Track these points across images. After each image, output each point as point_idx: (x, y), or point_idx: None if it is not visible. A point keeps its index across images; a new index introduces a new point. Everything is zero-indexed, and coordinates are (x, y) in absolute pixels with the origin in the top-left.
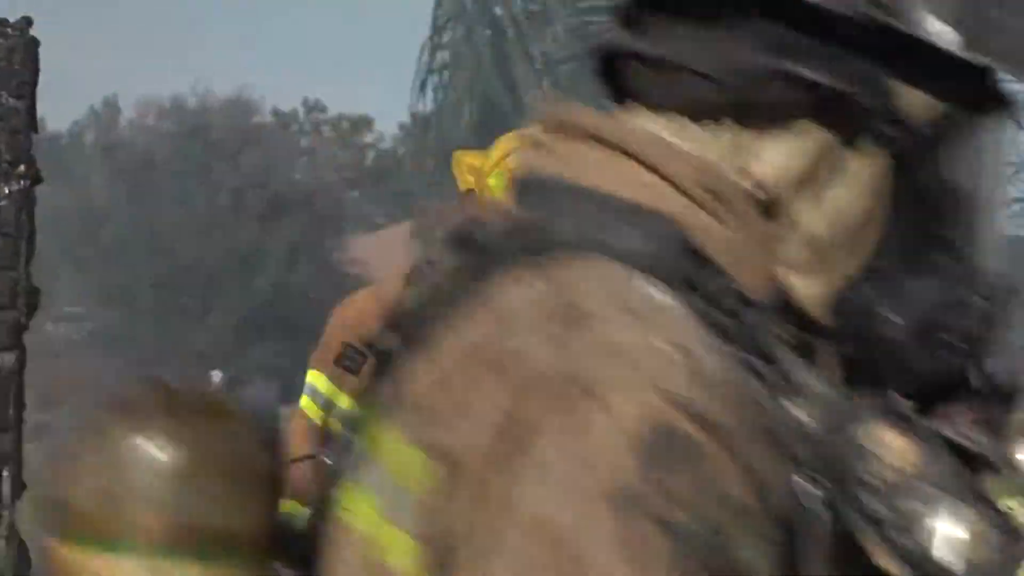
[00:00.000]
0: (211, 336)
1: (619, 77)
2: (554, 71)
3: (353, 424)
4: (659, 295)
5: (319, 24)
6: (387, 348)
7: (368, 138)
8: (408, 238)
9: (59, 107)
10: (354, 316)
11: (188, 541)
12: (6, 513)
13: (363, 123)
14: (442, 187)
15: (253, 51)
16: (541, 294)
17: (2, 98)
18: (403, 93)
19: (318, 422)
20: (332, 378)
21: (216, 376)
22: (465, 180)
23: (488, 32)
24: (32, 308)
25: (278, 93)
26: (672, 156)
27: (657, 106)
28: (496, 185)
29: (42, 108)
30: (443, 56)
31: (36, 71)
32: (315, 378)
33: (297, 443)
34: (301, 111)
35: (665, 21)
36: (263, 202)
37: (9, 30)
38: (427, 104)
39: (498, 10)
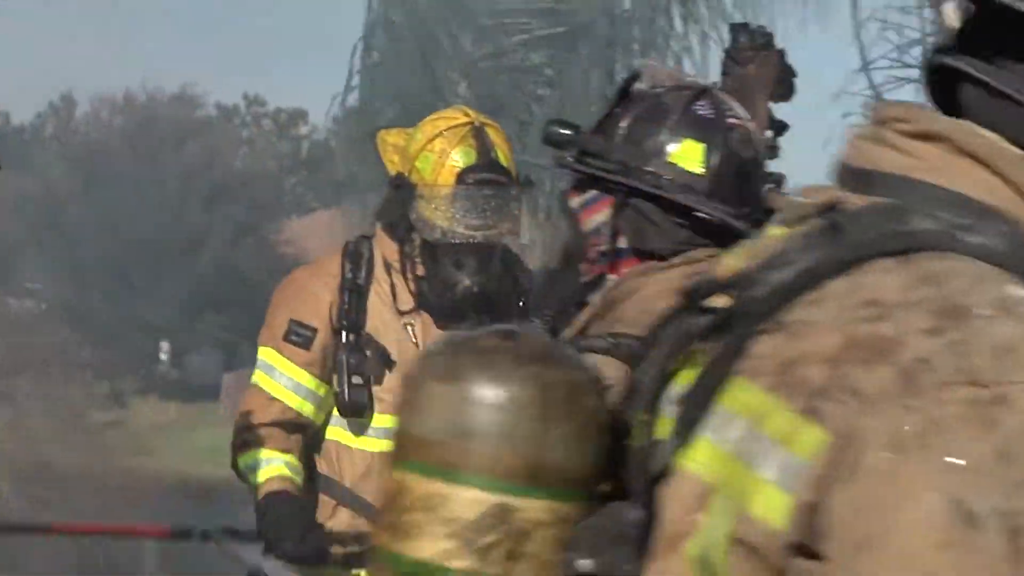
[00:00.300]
0: (159, 310)
1: (948, 92)
2: (475, 70)
3: (701, 383)
4: (1022, 292)
5: (260, 23)
6: (728, 316)
7: (303, 130)
8: (339, 221)
9: (21, 102)
10: (294, 293)
11: (531, 476)
12: None
13: (299, 116)
14: (370, 176)
15: (198, 49)
16: (911, 285)
17: None
18: (336, 88)
19: (272, 394)
20: (282, 352)
21: (164, 346)
22: (391, 161)
23: (413, 33)
24: None
25: (221, 88)
26: (1018, 166)
27: (985, 124)
28: (423, 168)
29: (6, 103)
30: (373, 55)
31: None
32: (266, 354)
33: (257, 413)
34: (242, 105)
35: (1010, 60)
36: (207, 188)
37: None
38: (355, 100)
39: (421, 11)
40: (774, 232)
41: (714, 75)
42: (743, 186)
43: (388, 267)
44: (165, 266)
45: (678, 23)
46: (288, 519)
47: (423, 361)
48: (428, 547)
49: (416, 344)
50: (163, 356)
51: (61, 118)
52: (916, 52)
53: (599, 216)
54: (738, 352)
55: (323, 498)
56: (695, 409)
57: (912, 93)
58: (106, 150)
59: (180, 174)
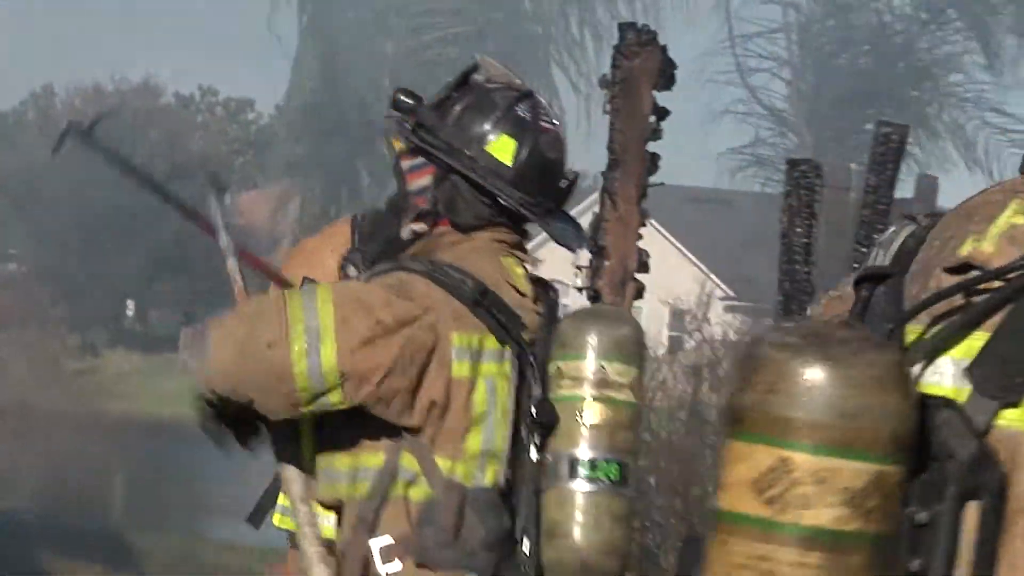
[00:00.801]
0: (126, 271)
1: None
2: (396, 65)
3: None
4: None
5: (213, 23)
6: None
7: (250, 116)
8: (280, 196)
9: (6, 91)
10: (304, 259)
11: (897, 447)
12: None
13: (246, 104)
14: (308, 157)
15: (159, 43)
16: None
17: None
18: (278, 80)
19: None
20: None
21: (130, 303)
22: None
23: (341, 35)
24: None
25: (179, 80)
26: None
27: None
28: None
29: None
30: (308, 54)
31: None
32: None
33: None
34: (198, 94)
35: None
36: (167, 167)
37: None
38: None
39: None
40: (1014, 220)
41: (605, 67)
42: (543, 181)
43: None
44: (131, 233)
45: (574, 22)
46: None
47: (781, 352)
48: (824, 515)
49: None
50: (129, 312)
51: (41, 106)
52: (772, 42)
53: (423, 180)
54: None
55: None
56: (1013, 375)
57: (767, 79)
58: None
59: (144, 155)
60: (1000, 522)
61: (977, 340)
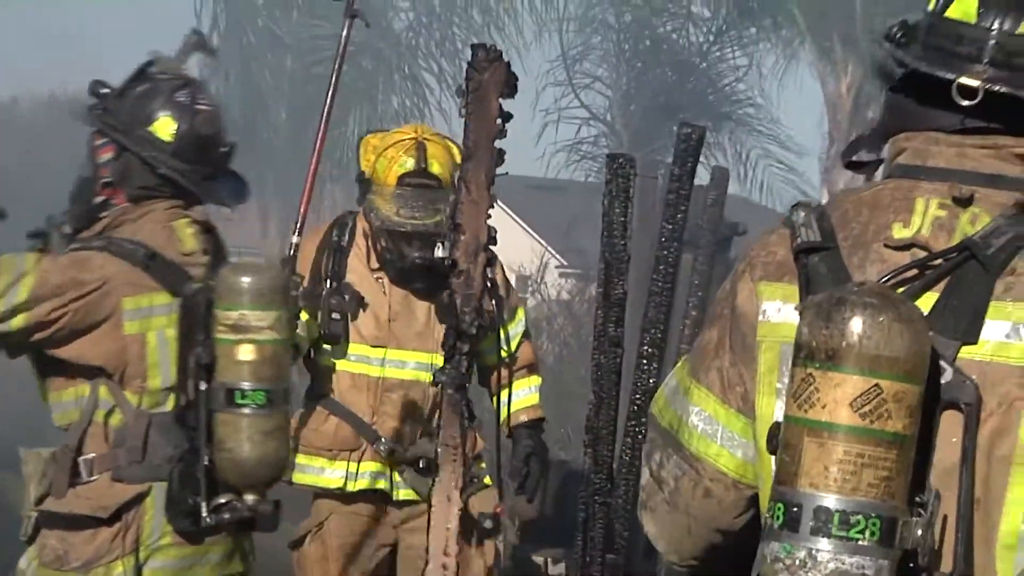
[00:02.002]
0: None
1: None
2: (291, 80)
3: (962, 303)
4: None
5: (134, 33)
6: None
7: None
8: None
9: None
10: (311, 250)
11: (914, 371)
12: None
13: None
14: None
15: (109, 60)
16: None
17: None
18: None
19: None
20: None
21: None
22: (367, 159)
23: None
24: None
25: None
26: None
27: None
28: (380, 168)
29: None
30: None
31: None
32: None
33: None
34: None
35: None
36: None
37: None
38: None
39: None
40: (936, 212)
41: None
42: (200, 152)
43: (365, 235)
44: None
45: (453, 39)
46: None
47: (867, 309)
48: (900, 424)
49: (385, 293)
50: None
51: (10, 114)
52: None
53: (107, 155)
54: (990, 287)
55: (318, 408)
56: (967, 316)
57: (592, 93)
58: (40, 138)
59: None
60: (976, 423)
61: (931, 298)
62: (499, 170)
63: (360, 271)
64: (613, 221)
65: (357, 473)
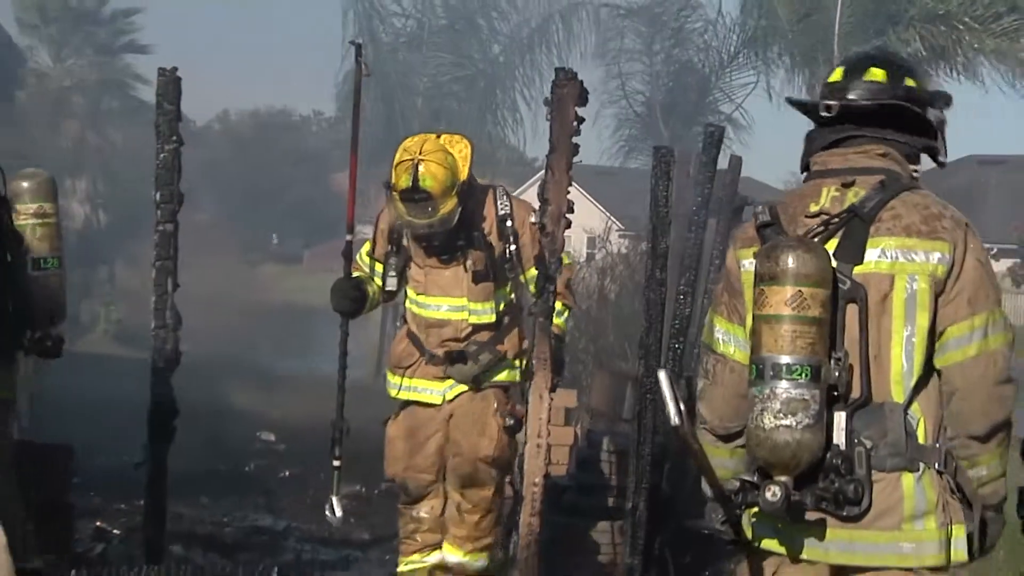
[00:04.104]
0: (269, 219)
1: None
2: (436, 101)
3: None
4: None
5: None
6: None
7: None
8: None
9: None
10: (383, 226)
11: (821, 282)
12: None
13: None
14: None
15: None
16: (931, 197)
17: None
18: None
19: (358, 261)
20: (364, 246)
21: (274, 237)
22: (395, 157)
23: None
24: None
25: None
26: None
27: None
28: (395, 179)
29: None
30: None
31: None
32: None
33: (355, 269)
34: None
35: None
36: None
37: None
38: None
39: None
40: (834, 193)
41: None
42: None
43: None
44: (270, 198)
45: (529, 65)
46: (339, 284)
47: (795, 247)
48: (817, 311)
49: (424, 253)
50: (274, 241)
51: (224, 124)
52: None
53: None
54: (867, 230)
55: (398, 334)
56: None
57: (640, 97)
58: (246, 143)
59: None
60: (866, 309)
61: (834, 243)
62: (575, 159)
63: (411, 240)
64: (658, 195)
65: (412, 386)
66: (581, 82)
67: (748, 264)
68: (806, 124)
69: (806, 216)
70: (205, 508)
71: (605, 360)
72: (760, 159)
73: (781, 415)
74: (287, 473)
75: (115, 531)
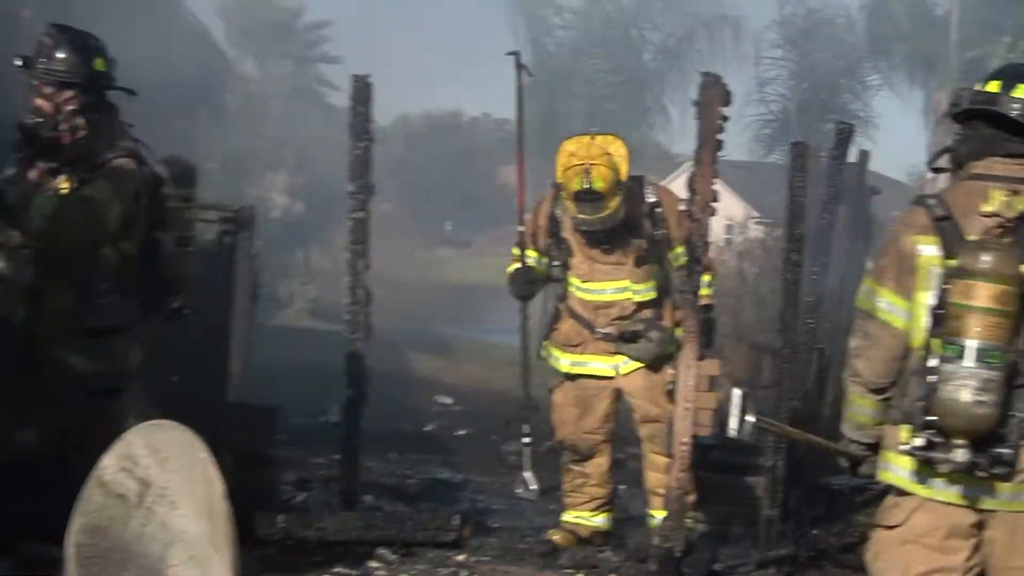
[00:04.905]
0: (443, 207)
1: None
2: (593, 103)
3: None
4: None
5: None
6: None
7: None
8: None
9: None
10: (541, 216)
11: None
12: None
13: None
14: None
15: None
16: None
17: None
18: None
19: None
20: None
21: (448, 224)
22: (559, 171)
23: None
24: None
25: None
26: None
27: None
28: (565, 181)
29: None
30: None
31: None
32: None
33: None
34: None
35: None
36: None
37: None
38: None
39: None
40: (1002, 198)
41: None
42: None
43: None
44: (441, 188)
45: (677, 72)
46: (516, 274)
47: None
48: (1009, 306)
49: (584, 246)
50: (448, 228)
51: (404, 124)
52: None
53: None
54: None
55: (561, 312)
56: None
57: (775, 97)
58: (422, 143)
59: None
60: None
61: (1010, 241)
62: (720, 154)
63: (570, 230)
64: (794, 186)
65: (583, 361)
66: (724, 85)
67: (925, 249)
68: (919, 124)
69: (980, 215)
70: (392, 463)
71: (744, 333)
72: (880, 152)
73: (980, 392)
74: (463, 432)
75: (314, 482)
